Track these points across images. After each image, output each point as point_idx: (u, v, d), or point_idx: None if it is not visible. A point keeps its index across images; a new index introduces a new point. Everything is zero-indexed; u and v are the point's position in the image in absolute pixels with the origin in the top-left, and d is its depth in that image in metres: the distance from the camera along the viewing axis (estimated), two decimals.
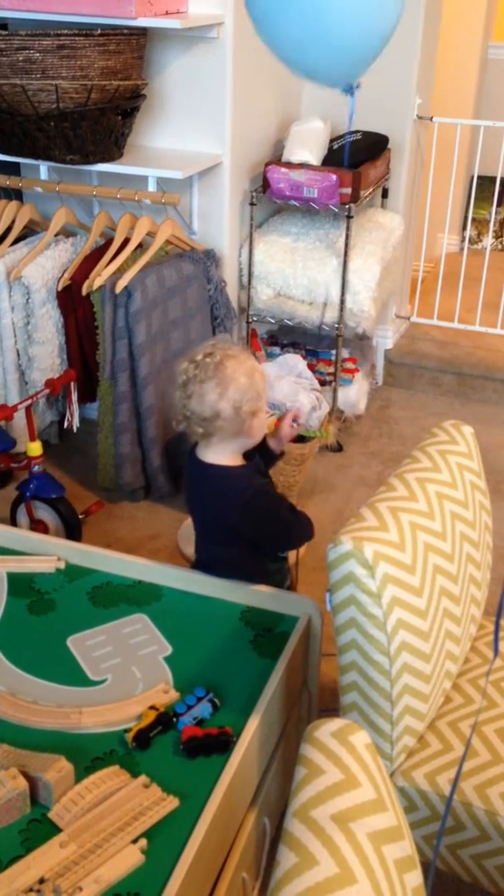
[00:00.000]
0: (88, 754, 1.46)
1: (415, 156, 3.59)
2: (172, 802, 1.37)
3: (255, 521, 1.77)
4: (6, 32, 2.61)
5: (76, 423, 2.78)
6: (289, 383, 3.11)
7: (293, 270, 3.17)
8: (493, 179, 3.93)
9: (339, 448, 3.28)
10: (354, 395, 3.41)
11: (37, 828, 1.34)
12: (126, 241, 2.88)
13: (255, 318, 3.32)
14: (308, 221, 3.37)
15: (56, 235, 2.98)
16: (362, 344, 3.58)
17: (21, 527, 2.63)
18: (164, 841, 1.31)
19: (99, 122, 2.72)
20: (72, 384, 2.68)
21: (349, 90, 1.68)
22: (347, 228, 3.04)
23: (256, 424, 1.75)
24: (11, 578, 1.88)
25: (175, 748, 1.48)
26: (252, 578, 1.83)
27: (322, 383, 3.34)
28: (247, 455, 1.82)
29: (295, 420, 1.94)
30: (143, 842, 1.31)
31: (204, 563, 1.92)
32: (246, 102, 3.06)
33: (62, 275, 2.85)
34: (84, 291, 2.76)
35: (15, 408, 2.53)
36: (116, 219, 2.94)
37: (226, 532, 1.81)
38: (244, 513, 1.75)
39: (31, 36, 2.55)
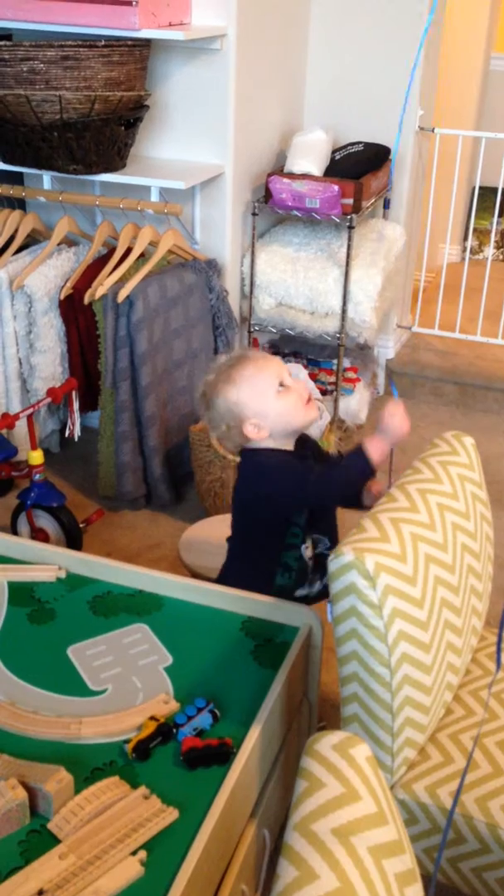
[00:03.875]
0: (88, 765, 1.46)
1: (416, 166, 3.60)
2: (172, 814, 1.36)
3: (287, 476, 1.77)
4: (10, 43, 2.62)
5: (77, 432, 2.78)
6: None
7: (295, 280, 3.17)
8: (494, 190, 3.94)
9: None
10: (356, 404, 3.41)
11: (36, 839, 1.33)
12: (128, 251, 2.88)
13: (256, 328, 3.32)
14: (310, 231, 3.38)
15: (59, 245, 2.99)
16: (363, 353, 3.59)
17: (22, 535, 2.63)
18: (163, 852, 1.31)
19: (102, 133, 2.73)
20: (73, 393, 2.69)
21: None
22: (349, 239, 3.05)
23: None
24: (12, 587, 1.88)
25: (175, 759, 1.47)
26: (257, 576, 1.85)
27: (323, 393, 3.35)
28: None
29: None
30: (143, 853, 1.30)
31: (227, 559, 1.94)
32: (248, 113, 3.07)
33: (64, 284, 2.86)
34: (86, 300, 2.76)
35: (17, 416, 2.53)
36: (119, 228, 2.95)
37: (261, 507, 1.82)
38: (275, 474, 1.78)
39: (35, 46, 2.56)
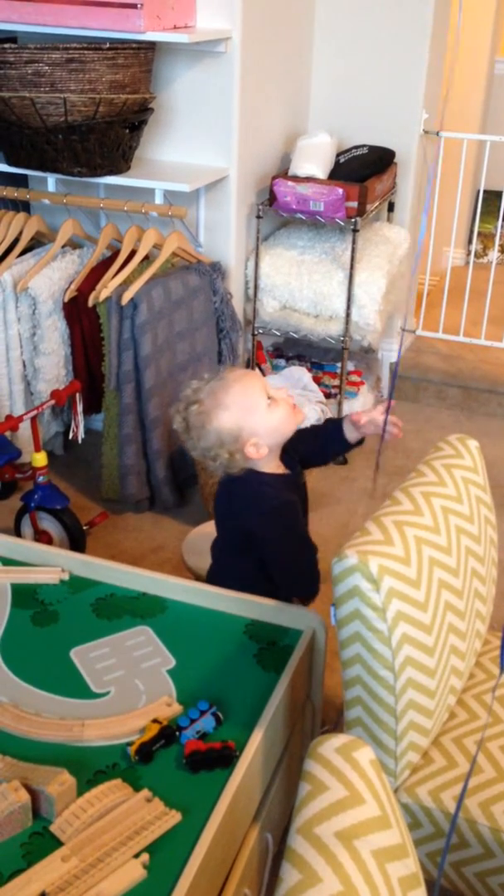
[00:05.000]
0: (91, 767, 1.45)
1: (421, 170, 3.60)
2: (175, 817, 1.36)
3: (275, 529, 1.76)
4: (16, 45, 2.63)
5: (81, 434, 2.78)
6: (294, 396, 3.11)
7: (299, 283, 3.17)
8: (498, 194, 3.94)
9: (343, 461, 3.28)
10: (359, 407, 3.41)
11: (38, 841, 1.33)
12: (132, 254, 2.89)
13: (260, 331, 3.32)
14: (314, 235, 3.38)
15: (63, 247, 2.99)
16: (367, 357, 3.59)
17: (25, 537, 2.63)
18: (166, 856, 1.30)
19: (106, 135, 2.74)
20: (77, 395, 2.69)
21: None
22: (353, 242, 3.05)
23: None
24: (15, 589, 1.88)
25: (178, 762, 1.47)
26: (259, 582, 1.83)
27: (327, 396, 3.35)
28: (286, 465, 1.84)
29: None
30: (146, 856, 1.30)
31: (217, 573, 1.92)
32: (253, 116, 3.08)
33: (69, 286, 2.86)
34: (90, 303, 2.77)
35: (20, 418, 2.53)
36: (123, 231, 2.95)
37: (244, 540, 1.80)
38: (267, 519, 1.75)
39: (40, 49, 2.57)
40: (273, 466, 1.80)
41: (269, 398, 1.74)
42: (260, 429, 1.73)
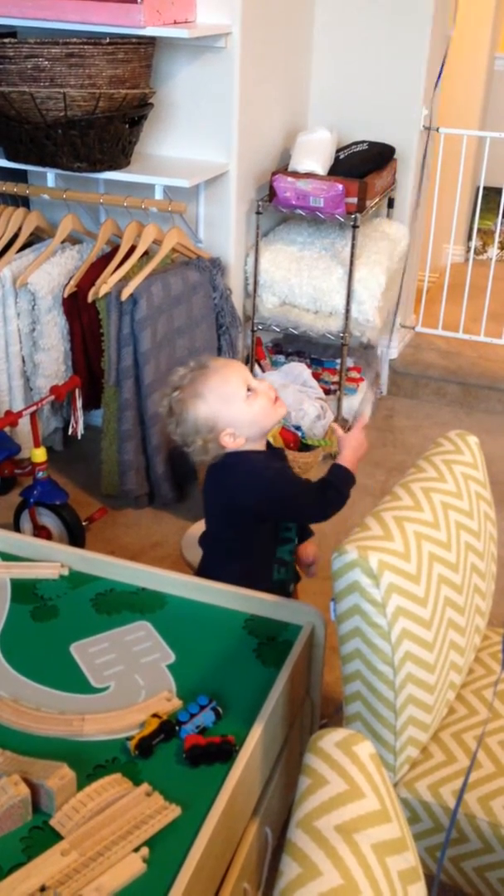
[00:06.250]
0: (91, 762, 1.45)
1: (421, 166, 3.59)
2: (174, 811, 1.36)
3: (274, 498, 1.78)
4: (15, 40, 2.62)
5: (81, 430, 2.78)
6: (293, 392, 3.11)
7: (298, 279, 3.17)
8: (498, 190, 3.94)
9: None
10: (359, 404, 3.41)
11: (38, 835, 1.33)
12: (132, 249, 2.88)
13: (260, 327, 3.32)
14: (314, 231, 3.37)
15: (62, 243, 2.99)
16: (367, 353, 3.59)
17: (25, 533, 2.63)
18: (165, 850, 1.31)
19: (106, 131, 2.73)
20: (77, 391, 2.69)
21: None
22: (353, 238, 3.05)
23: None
24: (15, 585, 1.88)
25: (177, 757, 1.47)
26: (254, 575, 1.84)
27: (327, 392, 3.35)
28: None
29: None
30: (145, 850, 1.30)
31: (207, 560, 1.93)
32: (253, 112, 3.07)
33: (68, 282, 2.86)
34: (90, 298, 2.76)
35: (20, 414, 2.53)
36: (123, 226, 2.95)
37: (236, 516, 1.81)
38: (263, 492, 1.77)
39: (39, 44, 2.56)
40: (257, 447, 1.82)
41: (248, 390, 1.75)
42: (237, 420, 1.74)
